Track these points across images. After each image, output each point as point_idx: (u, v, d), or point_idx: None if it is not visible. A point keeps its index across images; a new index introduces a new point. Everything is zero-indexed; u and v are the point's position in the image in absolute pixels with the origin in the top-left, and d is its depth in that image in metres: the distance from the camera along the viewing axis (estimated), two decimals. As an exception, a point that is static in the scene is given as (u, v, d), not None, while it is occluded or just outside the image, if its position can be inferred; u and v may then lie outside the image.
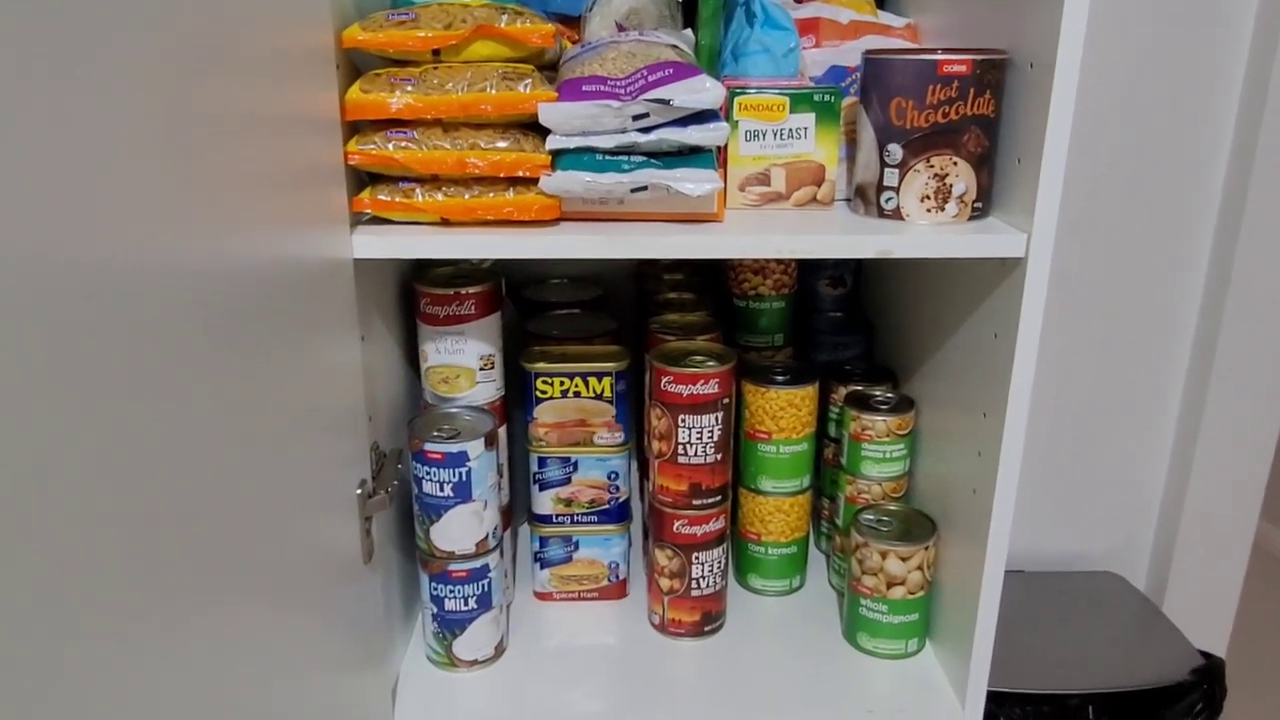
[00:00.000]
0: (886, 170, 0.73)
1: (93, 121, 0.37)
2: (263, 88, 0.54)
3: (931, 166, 0.72)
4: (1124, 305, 1.23)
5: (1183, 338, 1.25)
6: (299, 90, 0.60)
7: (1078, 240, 1.19)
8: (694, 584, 0.90)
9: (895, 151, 0.72)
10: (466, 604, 0.85)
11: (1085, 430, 1.29)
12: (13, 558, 0.32)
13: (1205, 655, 1.13)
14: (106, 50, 0.38)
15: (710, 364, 0.85)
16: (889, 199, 0.74)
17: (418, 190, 0.71)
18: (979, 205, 0.74)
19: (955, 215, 0.73)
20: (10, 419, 0.32)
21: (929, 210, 0.73)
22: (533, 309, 1.06)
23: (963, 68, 0.70)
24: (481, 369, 0.87)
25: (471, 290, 0.84)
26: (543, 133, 0.70)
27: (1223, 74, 1.14)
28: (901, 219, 0.74)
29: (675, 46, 0.75)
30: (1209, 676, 1.09)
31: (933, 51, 0.71)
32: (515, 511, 1.01)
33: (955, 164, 0.72)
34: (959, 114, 0.71)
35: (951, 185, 0.72)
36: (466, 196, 0.71)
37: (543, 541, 0.95)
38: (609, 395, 0.91)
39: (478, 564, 0.84)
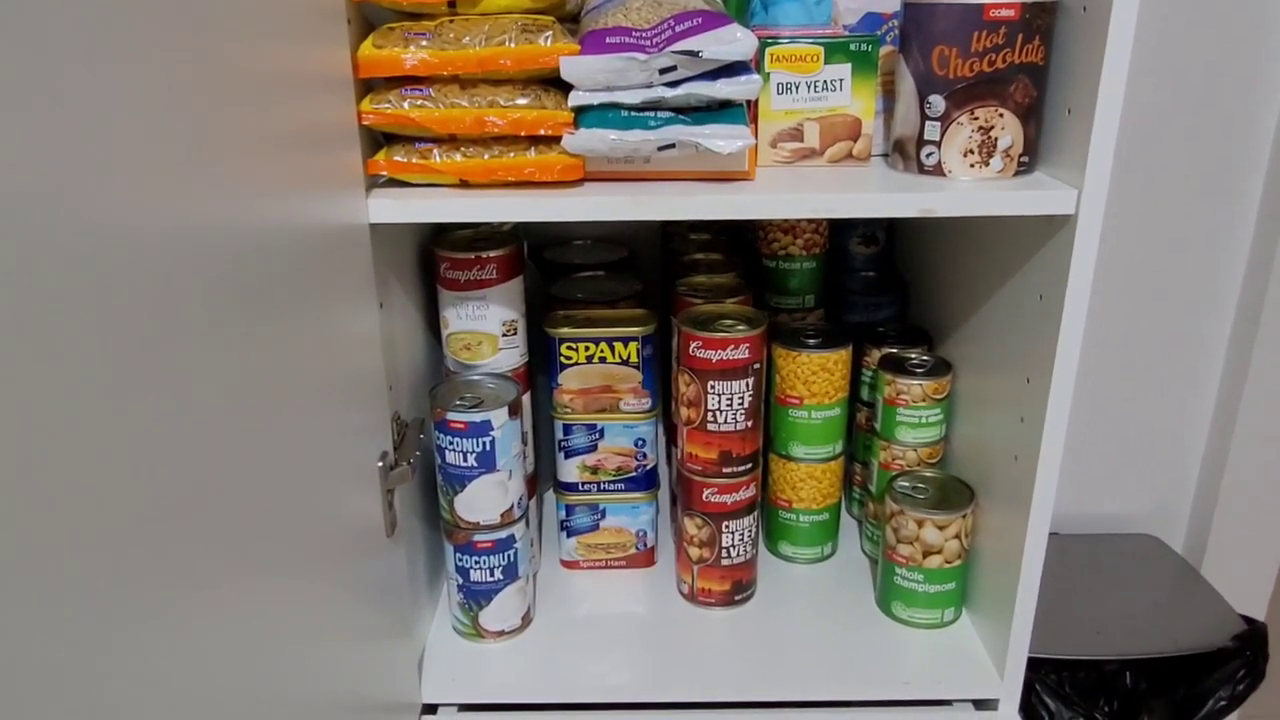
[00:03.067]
0: (927, 123, 0.69)
1: (92, 83, 0.34)
2: (270, 44, 0.51)
3: (976, 119, 0.68)
4: (1166, 261, 1.18)
5: (1228, 294, 1.20)
6: (308, 46, 0.57)
7: (1118, 193, 1.14)
8: (724, 553, 0.88)
9: (937, 103, 0.68)
10: (492, 575, 0.83)
11: (1124, 389, 1.25)
12: (35, 537, 0.31)
13: (1247, 620, 1.10)
14: (102, 6, 0.35)
15: (740, 328, 0.82)
16: (930, 154, 0.70)
17: (435, 151, 0.68)
18: (1025, 159, 0.70)
19: (1000, 170, 0.69)
20: (24, 395, 0.30)
21: (973, 165, 0.69)
22: (556, 271, 1.03)
23: (1011, 12, 0.66)
24: (504, 335, 0.85)
25: (493, 254, 0.82)
26: (565, 88, 0.67)
27: (1275, 25, 1.08)
28: (943, 175, 0.70)
29: (703, -6, 0.71)
30: (1251, 642, 1.06)
31: (978, -5, 0.67)
32: (540, 478, 0.99)
33: (1001, 116, 0.68)
34: (1006, 62, 0.67)
35: (997, 139, 0.68)
36: (486, 157, 0.68)
37: (569, 510, 0.94)
38: (635, 361, 0.88)
39: (503, 534, 0.82)
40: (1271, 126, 1.12)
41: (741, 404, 0.83)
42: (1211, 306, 1.21)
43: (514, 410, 0.80)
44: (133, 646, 0.36)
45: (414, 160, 0.68)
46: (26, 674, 0.30)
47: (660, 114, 0.67)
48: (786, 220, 0.97)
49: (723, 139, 0.65)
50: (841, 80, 0.72)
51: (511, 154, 0.68)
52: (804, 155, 0.74)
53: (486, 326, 0.84)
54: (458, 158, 0.68)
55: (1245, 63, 1.09)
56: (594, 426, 0.91)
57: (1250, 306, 1.18)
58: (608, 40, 0.66)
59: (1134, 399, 1.25)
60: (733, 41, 0.64)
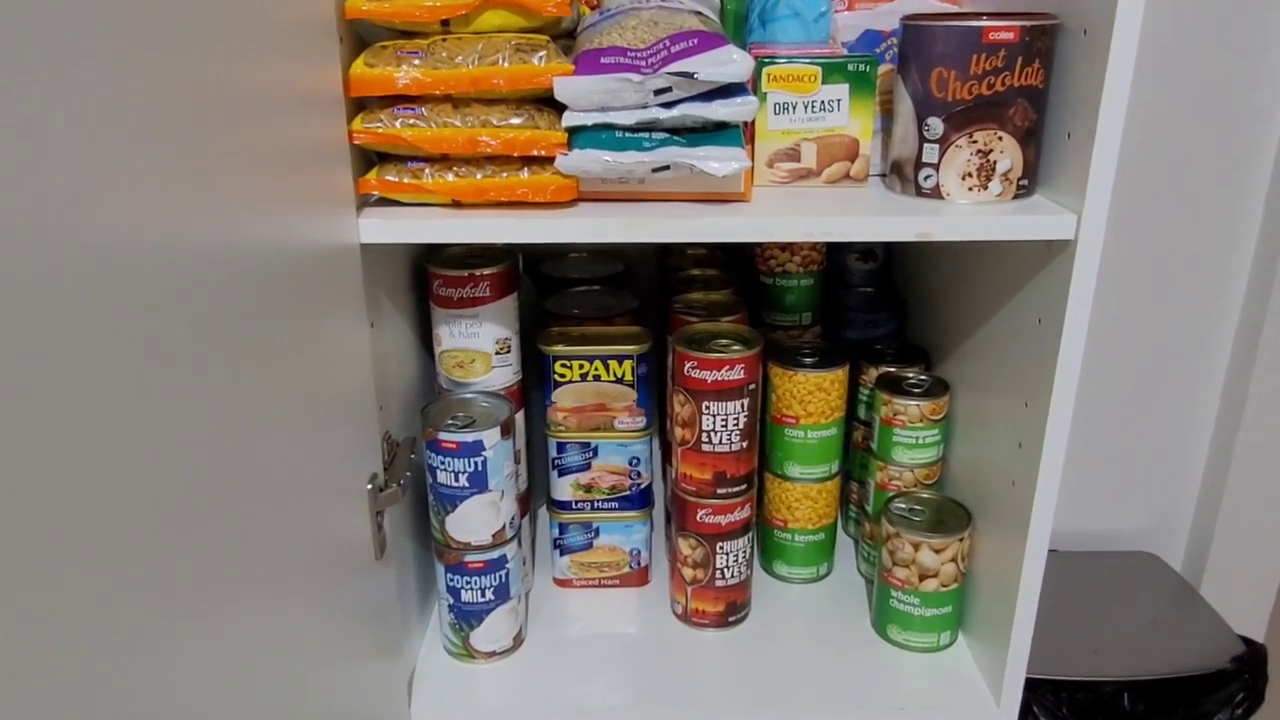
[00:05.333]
0: (926, 146, 0.69)
1: (81, 101, 0.34)
2: (260, 62, 0.50)
3: (974, 142, 0.67)
4: (1166, 280, 1.18)
5: (1229, 312, 1.19)
6: (299, 65, 0.57)
7: (1117, 213, 1.13)
8: (718, 574, 0.87)
9: (935, 125, 0.68)
10: (483, 595, 0.82)
11: (1122, 405, 1.24)
12: (17, 557, 0.30)
13: (1246, 641, 1.09)
14: (92, 24, 0.35)
15: (736, 348, 0.81)
16: (928, 176, 0.69)
17: (427, 170, 0.67)
18: (1024, 183, 0.69)
19: (999, 194, 0.69)
20: (11, 411, 0.30)
21: (971, 189, 0.69)
22: (551, 285, 1.02)
23: (1010, 35, 0.65)
24: (497, 353, 0.84)
25: (486, 271, 0.81)
26: (559, 108, 0.66)
27: (1275, 48, 1.07)
28: (941, 198, 0.69)
29: (699, 13, 0.70)
30: (1250, 664, 1.05)
31: (977, 17, 0.66)
32: (534, 495, 0.98)
33: (1000, 139, 0.67)
34: (1005, 85, 0.66)
35: (995, 162, 0.68)
36: (478, 177, 0.67)
37: (562, 528, 0.93)
38: (630, 379, 0.87)
39: (495, 555, 0.82)
40: (1272, 149, 1.11)
41: (737, 425, 0.82)
42: (1212, 324, 1.20)
43: (506, 430, 0.79)
44: (118, 668, 0.36)
45: (406, 180, 0.67)
46: (12, 693, 0.30)
47: (655, 135, 0.66)
48: (784, 237, 0.96)
49: (718, 161, 0.64)
50: (839, 100, 0.72)
51: (504, 174, 0.67)
52: (801, 175, 0.74)
53: (479, 344, 0.83)
54: (450, 177, 0.67)
55: (1246, 87, 1.08)
56: (588, 445, 0.90)
57: (1250, 324, 1.17)
58: (602, 60, 0.65)
59: (1134, 415, 1.25)
60: (729, 63, 0.63)
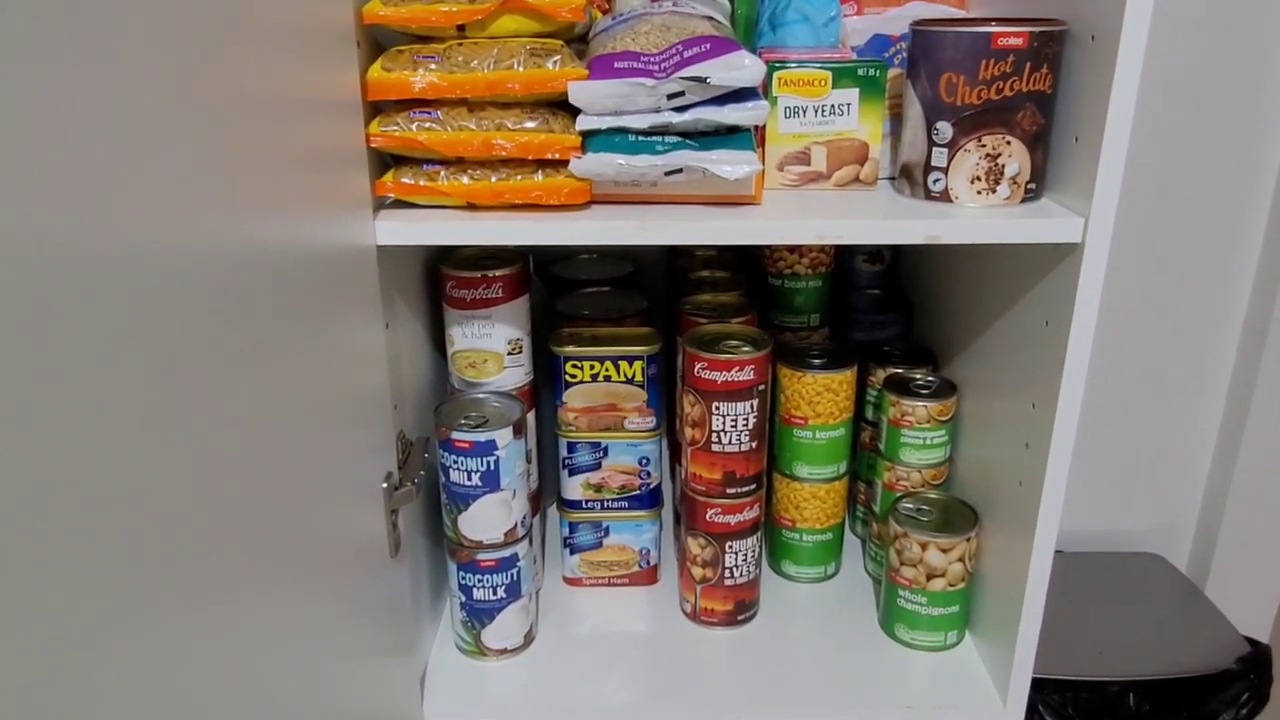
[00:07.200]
0: (935, 150, 0.69)
1: (101, 105, 0.35)
2: (279, 67, 0.51)
3: (983, 146, 0.68)
4: (1173, 282, 1.18)
5: (1234, 312, 1.20)
6: (318, 69, 0.58)
7: (1123, 215, 1.14)
8: (727, 573, 0.88)
9: (944, 130, 0.68)
10: (495, 593, 0.83)
11: (1128, 406, 1.25)
12: (36, 553, 0.31)
13: (1251, 642, 1.10)
14: (113, 27, 0.36)
15: (745, 349, 0.82)
16: (937, 180, 0.70)
17: (442, 173, 0.68)
18: (1032, 186, 0.70)
19: (1007, 197, 0.69)
20: (33, 411, 0.31)
21: (979, 192, 0.69)
22: (561, 286, 1.03)
23: (1019, 41, 0.66)
24: (509, 354, 0.85)
25: (499, 273, 0.82)
26: (573, 112, 0.67)
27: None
28: (950, 201, 0.70)
29: (711, 18, 0.71)
30: (1255, 665, 1.06)
31: (986, 23, 0.67)
32: (544, 493, 0.99)
33: (1008, 143, 0.68)
34: (1014, 90, 0.67)
35: (1004, 166, 0.68)
36: (493, 179, 0.68)
37: (572, 527, 0.94)
38: (640, 380, 0.88)
39: (506, 553, 0.83)
40: (1278, 153, 1.11)
41: (746, 425, 0.83)
42: (1218, 326, 1.20)
43: (518, 430, 0.80)
44: (134, 663, 0.37)
45: (421, 182, 0.68)
46: (26, 686, 0.31)
47: (668, 139, 0.67)
48: (792, 239, 0.97)
49: (730, 164, 0.65)
50: (849, 105, 0.72)
51: (518, 177, 0.68)
52: (811, 179, 0.74)
53: (492, 345, 0.84)
54: (465, 180, 0.68)
55: (1252, 91, 1.09)
56: (598, 444, 0.91)
57: (1256, 326, 1.18)
58: (616, 65, 0.66)
59: (1140, 416, 1.25)
60: (741, 68, 0.64)
